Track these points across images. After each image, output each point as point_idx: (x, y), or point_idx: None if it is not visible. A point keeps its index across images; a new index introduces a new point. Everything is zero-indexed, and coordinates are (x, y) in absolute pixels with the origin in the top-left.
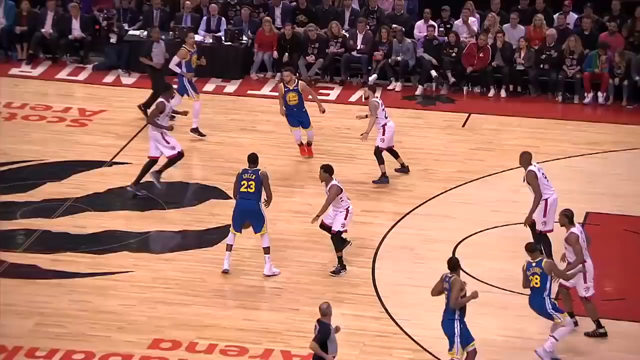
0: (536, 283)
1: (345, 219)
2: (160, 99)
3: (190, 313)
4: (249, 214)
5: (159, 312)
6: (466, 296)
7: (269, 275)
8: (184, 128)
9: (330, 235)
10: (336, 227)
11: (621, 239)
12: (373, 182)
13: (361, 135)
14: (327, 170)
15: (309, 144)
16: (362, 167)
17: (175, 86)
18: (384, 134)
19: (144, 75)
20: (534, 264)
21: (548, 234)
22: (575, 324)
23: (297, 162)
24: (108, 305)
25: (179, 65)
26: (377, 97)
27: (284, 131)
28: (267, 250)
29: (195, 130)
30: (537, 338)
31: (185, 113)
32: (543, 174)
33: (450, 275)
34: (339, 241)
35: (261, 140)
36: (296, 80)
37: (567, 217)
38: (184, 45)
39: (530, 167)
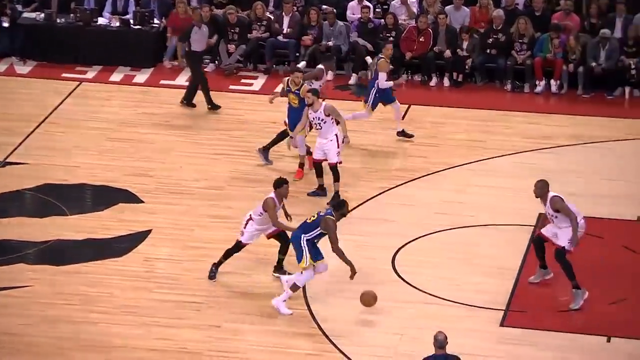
0: None
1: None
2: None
3: (97, 332)
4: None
5: (60, 331)
6: None
7: (278, 305)
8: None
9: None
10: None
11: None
12: (308, 194)
13: (343, 141)
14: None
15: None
16: (290, 167)
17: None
18: (338, 146)
19: (41, 64)
20: None
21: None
22: None
23: (215, 161)
24: (2, 324)
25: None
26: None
27: (203, 126)
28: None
29: (401, 133)
30: (479, 353)
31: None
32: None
33: None
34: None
35: (176, 136)
36: (301, 82)
37: None
38: (382, 57)
39: (552, 193)
